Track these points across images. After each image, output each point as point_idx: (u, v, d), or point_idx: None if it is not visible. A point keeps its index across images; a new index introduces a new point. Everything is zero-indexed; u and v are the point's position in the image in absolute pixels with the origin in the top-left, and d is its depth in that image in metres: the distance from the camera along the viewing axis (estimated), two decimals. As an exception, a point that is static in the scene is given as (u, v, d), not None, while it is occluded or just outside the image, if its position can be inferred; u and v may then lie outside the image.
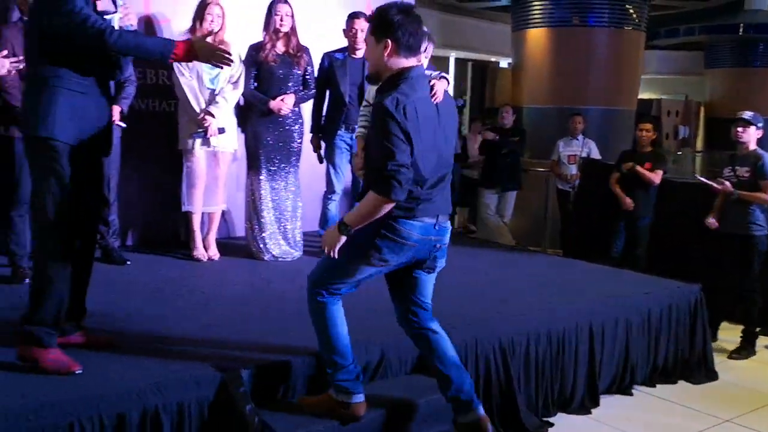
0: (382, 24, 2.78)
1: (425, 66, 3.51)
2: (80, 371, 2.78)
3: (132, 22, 3.05)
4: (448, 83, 3.11)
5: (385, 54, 2.78)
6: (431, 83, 2.90)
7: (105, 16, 2.91)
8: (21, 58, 3.81)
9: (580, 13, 8.69)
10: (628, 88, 9.18)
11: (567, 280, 4.74)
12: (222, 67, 3.05)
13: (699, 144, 16.55)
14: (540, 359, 3.80)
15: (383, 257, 2.80)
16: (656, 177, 5.73)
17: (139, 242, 5.30)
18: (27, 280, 4.07)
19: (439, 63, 9.31)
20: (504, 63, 13.62)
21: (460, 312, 3.84)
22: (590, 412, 3.96)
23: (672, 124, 15.47)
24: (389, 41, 2.75)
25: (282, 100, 4.83)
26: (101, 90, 2.95)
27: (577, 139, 7.65)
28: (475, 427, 2.99)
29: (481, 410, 3.03)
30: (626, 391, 4.26)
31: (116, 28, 2.85)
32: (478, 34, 12.57)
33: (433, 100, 2.86)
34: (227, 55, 2.89)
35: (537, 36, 9.05)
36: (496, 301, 4.14)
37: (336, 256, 2.77)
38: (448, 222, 2.99)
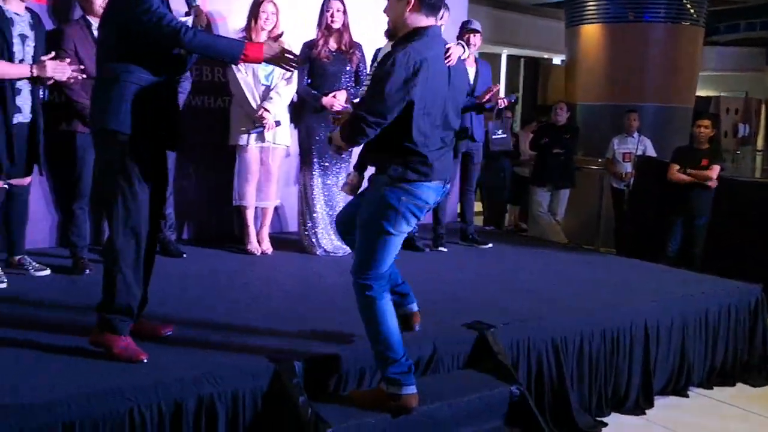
0: None
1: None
2: (146, 360, 2.85)
3: (203, 23, 3.10)
4: (464, 50, 3.11)
5: (407, 9, 2.79)
6: (447, 46, 2.91)
7: (179, 18, 2.97)
8: (82, 66, 3.93)
9: (636, 8, 8.53)
10: (686, 85, 8.98)
11: (621, 279, 4.68)
12: (291, 71, 3.06)
13: (759, 142, 16.09)
14: (594, 358, 3.75)
15: (409, 223, 2.85)
16: (712, 172, 5.60)
17: (194, 236, 5.40)
18: (87, 271, 4.21)
19: (491, 59, 9.23)
20: (557, 60, 13.46)
21: (512, 309, 3.82)
22: (644, 413, 3.90)
23: (731, 122, 15.05)
24: None
25: (334, 96, 4.87)
26: (169, 85, 3.01)
27: (633, 137, 7.52)
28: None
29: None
30: (682, 392, 4.18)
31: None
32: (531, 31, 12.44)
33: (446, 62, 2.86)
34: (294, 58, 2.94)
35: (591, 32, 8.92)
36: (549, 299, 4.10)
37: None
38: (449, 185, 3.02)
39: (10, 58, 3.78)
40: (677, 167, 5.79)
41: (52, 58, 3.82)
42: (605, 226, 7.83)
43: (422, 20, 2.82)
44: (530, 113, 11.50)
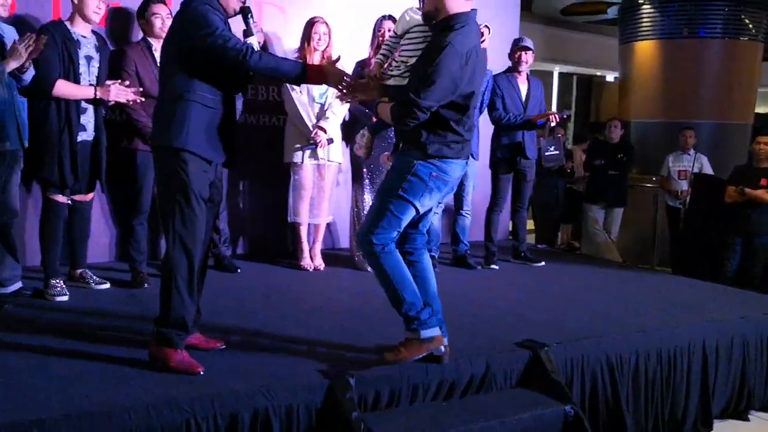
0: None
1: None
2: (202, 372, 2.90)
3: (260, 41, 3.17)
4: (489, 32, 3.33)
5: None
6: (482, 30, 3.06)
7: (245, 39, 3.05)
8: (141, 89, 4.06)
9: (691, 24, 8.40)
10: (743, 101, 8.78)
11: (678, 298, 4.58)
12: (349, 97, 3.14)
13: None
14: (650, 379, 3.68)
15: (431, 197, 2.99)
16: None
17: (249, 251, 5.49)
18: (146, 285, 4.31)
19: (543, 77, 9.20)
20: (610, 77, 13.32)
21: (566, 327, 3.78)
22: (703, 437, 3.81)
23: (792, 140, 14.62)
24: None
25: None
26: (229, 105, 3.07)
27: (688, 154, 7.40)
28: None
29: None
30: (742, 416, 4.06)
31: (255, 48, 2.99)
32: (584, 48, 12.35)
33: (482, 46, 3.05)
34: (349, 81, 3.05)
35: (645, 48, 8.81)
36: (604, 318, 4.05)
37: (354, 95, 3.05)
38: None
39: (77, 79, 3.92)
40: (733, 189, 5.67)
41: (114, 80, 3.97)
42: (660, 244, 7.69)
43: (462, 4, 2.90)
44: (583, 130, 11.39)
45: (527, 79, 5.45)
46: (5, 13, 3.77)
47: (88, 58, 4.02)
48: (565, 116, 5.56)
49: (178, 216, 2.93)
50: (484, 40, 3.07)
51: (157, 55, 4.32)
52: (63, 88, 3.86)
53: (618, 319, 4.04)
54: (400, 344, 3.10)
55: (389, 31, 4.93)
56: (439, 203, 3.21)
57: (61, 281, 4.07)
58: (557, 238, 8.71)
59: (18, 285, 4.00)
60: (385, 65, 3.28)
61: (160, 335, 2.98)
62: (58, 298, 3.97)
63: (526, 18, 8.14)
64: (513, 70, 5.40)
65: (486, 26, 3.32)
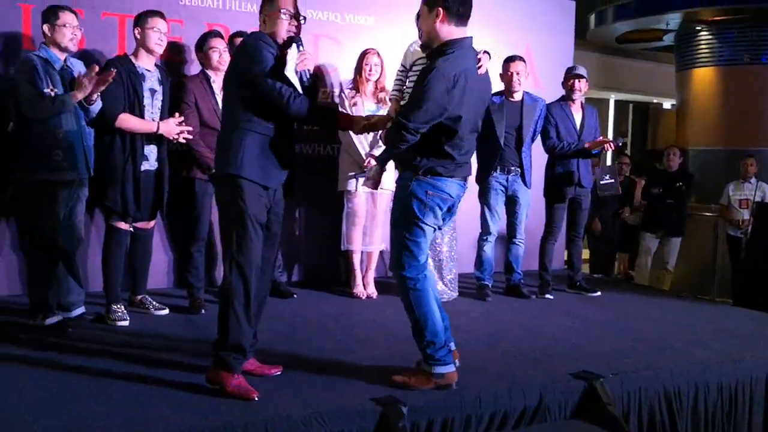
0: None
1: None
2: (257, 398, 2.94)
3: (309, 67, 3.25)
4: (490, 58, 3.35)
5: (437, 22, 3.00)
6: (478, 56, 3.10)
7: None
8: (190, 128, 4.20)
9: (753, 50, 8.25)
10: (808, 128, 8.57)
11: (739, 330, 4.46)
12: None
13: None
14: (710, 413, 3.58)
15: (435, 215, 3.10)
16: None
17: (303, 278, 5.56)
18: (203, 311, 4.40)
19: (598, 104, 9.12)
20: (667, 104, 13.13)
21: (622, 358, 3.72)
22: (767, 475, 3.68)
23: None
24: (440, 9, 2.98)
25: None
26: (286, 133, 3.15)
27: (750, 183, 7.23)
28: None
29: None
30: (808, 453, 3.91)
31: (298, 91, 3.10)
32: (640, 75, 12.23)
33: (478, 72, 3.09)
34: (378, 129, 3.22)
35: (704, 75, 8.69)
36: (661, 349, 3.96)
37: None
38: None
39: (141, 111, 4.07)
40: None
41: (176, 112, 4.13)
42: (721, 275, 7.49)
43: (453, 32, 3.03)
44: (641, 158, 11.22)
45: (581, 107, 5.43)
46: (74, 47, 3.94)
47: (152, 91, 4.17)
48: (620, 144, 5.50)
49: (236, 242, 3.00)
50: (480, 66, 3.11)
51: (215, 86, 4.46)
52: (126, 121, 4.01)
53: (676, 350, 3.95)
54: (412, 370, 3.22)
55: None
56: (444, 225, 3.32)
57: (123, 306, 4.19)
58: (614, 268, 8.57)
59: (81, 310, 4.13)
60: (401, 101, 3.38)
61: (218, 359, 3.03)
62: (120, 323, 4.08)
63: (581, 46, 8.11)
64: (567, 98, 5.39)
65: (486, 52, 3.38)
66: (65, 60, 3.94)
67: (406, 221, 3.11)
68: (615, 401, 3.30)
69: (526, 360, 3.67)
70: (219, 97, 4.40)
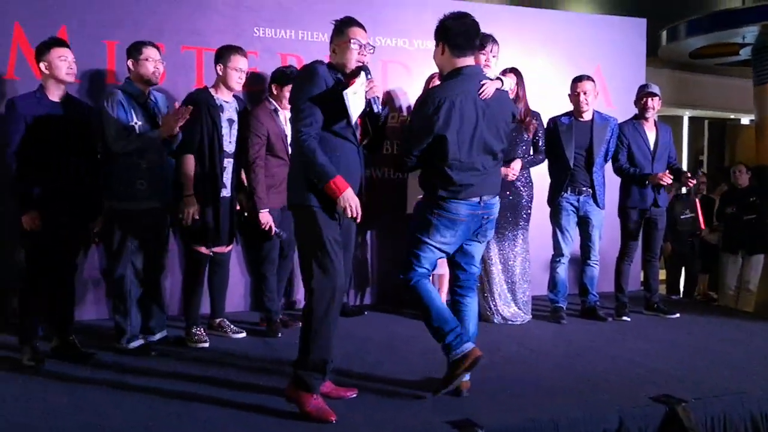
0: (438, 29, 3.29)
1: (491, 65, 4.30)
2: (335, 420, 2.98)
3: (378, 94, 3.31)
4: (502, 84, 3.49)
5: (440, 54, 3.30)
6: (482, 82, 3.26)
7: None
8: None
9: (835, 62, 7.96)
10: None
11: (830, 354, 4.27)
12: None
13: None
14: (800, 440, 3.44)
15: (442, 234, 3.29)
16: None
17: (374, 302, 5.61)
18: (280, 334, 4.48)
19: (672, 122, 8.93)
20: (745, 119, 12.73)
21: (704, 382, 3.62)
22: None
23: None
24: (442, 43, 3.28)
25: (509, 165, 4.91)
26: (353, 160, 3.22)
27: (835, 198, 6.94)
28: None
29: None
30: None
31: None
32: (715, 91, 11.90)
33: (480, 96, 3.23)
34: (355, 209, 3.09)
35: (784, 89, 8.40)
36: (745, 372, 3.83)
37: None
38: (495, 198, 3.41)
39: (220, 141, 4.22)
40: None
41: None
42: (808, 295, 7.18)
43: (455, 61, 3.27)
44: (716, 175, 10.91)
45: (655, 125, 5.34)
46: (157, 80, 4.12)
47: (230, 122, 4.32)
48: (690, 183, 5.29)
49: (316, 266, 3.08)
50: (482, 91, 3.23)
51: (280, 116, 4.53)
52: (189, 163, 4.17)
53: (762, 375, 3.81)
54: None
55: (513, 82, 4.99)
56: (484, 239, 3.48)
57: (202, 329, 4.31)
58: (695, 289, 8.34)
59: (163, 333, 4.27)
60: None
61: (298, 378, 3.10)
62: (199, 345, 4.20)
63: (653, 64, 7.98)
64: (640, 117, 5.31)
65: (499, 78, 3.55)
66: (148, 93, 4.12)
67: (413, 236, 3.36)
68: (698, 426, 3.21)
69: (604, 383, 3.60)
70: (286, 128, 4.48)
